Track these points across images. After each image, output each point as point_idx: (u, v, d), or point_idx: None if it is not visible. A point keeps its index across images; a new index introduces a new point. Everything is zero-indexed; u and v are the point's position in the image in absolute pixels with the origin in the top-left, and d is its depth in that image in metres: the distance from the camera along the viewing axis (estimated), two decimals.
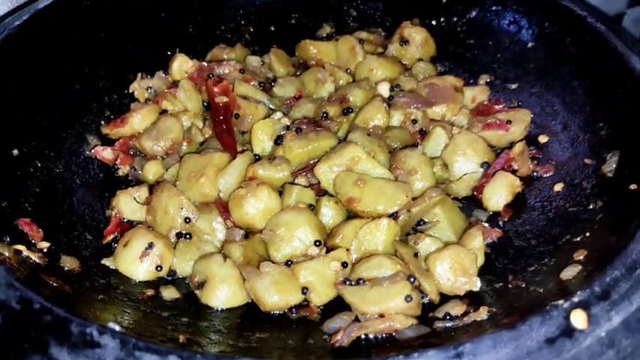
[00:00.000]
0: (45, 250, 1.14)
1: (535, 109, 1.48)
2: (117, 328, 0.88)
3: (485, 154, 1.35)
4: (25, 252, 1.09)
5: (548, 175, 1.35)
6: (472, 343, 0.79)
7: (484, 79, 1.61)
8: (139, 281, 1.18)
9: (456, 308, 1.05)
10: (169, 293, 1.15)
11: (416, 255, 1.13)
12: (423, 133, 1.42)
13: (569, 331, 0.84)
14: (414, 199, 1.22)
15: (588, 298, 0.87)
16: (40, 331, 0.86)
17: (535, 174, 1.37)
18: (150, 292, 1.15)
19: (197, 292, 1.15)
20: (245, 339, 1.03)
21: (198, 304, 1.14)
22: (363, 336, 1.02)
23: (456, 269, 1.10)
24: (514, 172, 1.34)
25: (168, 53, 1.62)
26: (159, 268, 1.18)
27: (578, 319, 0.84)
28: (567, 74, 1.47)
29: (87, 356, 0.82)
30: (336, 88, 1.53)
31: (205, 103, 1.48)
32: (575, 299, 0.86)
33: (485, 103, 1.50)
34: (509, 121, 1.40)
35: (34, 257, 1.09)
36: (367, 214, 1.20)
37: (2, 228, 1.11)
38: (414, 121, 1.43)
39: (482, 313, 1.01)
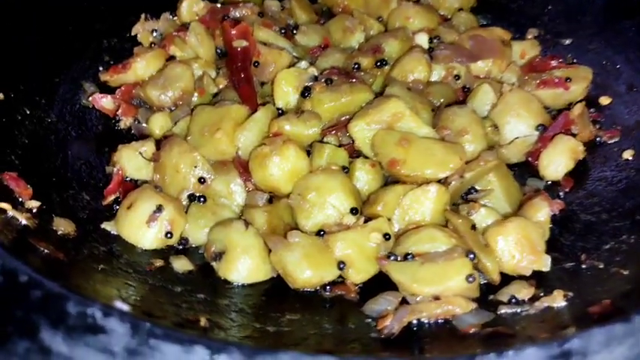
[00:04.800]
0: (34, 211, 1.08)
1: (594, 67, 1.41)
2: (125, 308, 0.76)
3: (540, 115, 1.27)
4: (11, 211, 1.03)
5: (613, 140, 1.29)
6: (581, 338, 0.66)
7: (532, 33, 1.54)
8: (146, 250, 1.12)
9: (522, 291, 0.97)
10: (181, 265, 1.10)
11: (474, 227, 1.04)
12: (467, 91, 1.35)
13: None
14: (466, 162, 1.14)
15: None
16: (28, 310, 0.75)
17: (598, 139, 1.30)
18: (159, 262, 1.09)
19: (214, 264, 1.10)
20: (273, 321, 0.95)
21: (215, 277, 1.08)
22: (414, 321, 0.92)
23: (522, 245, 1.02)
24: (573, 136, 1.26)
25: None
26: (169, 235, 1.13)
27: None
28: (631, 28, 1.41)
29: (87, 344, 0.70)
30: (367, 37, 1.47)
31: (219, 51, 1.42)
32: None
33: (537, 58, 1.42)
34: (568, 79, 1.32)
35: (21, 218, 1.04)
36: (412, 178, 1.12)
37: None
38: (457, 77, 1.35)
39: (558, 298, 0.91)
